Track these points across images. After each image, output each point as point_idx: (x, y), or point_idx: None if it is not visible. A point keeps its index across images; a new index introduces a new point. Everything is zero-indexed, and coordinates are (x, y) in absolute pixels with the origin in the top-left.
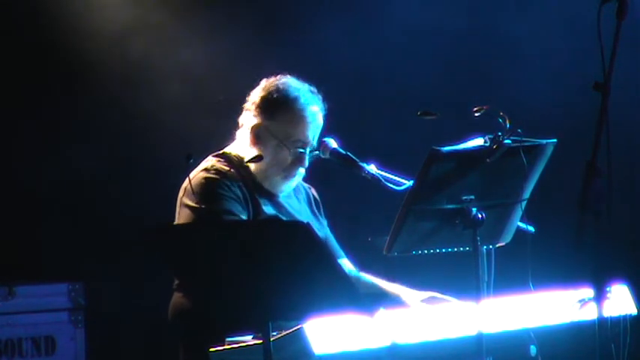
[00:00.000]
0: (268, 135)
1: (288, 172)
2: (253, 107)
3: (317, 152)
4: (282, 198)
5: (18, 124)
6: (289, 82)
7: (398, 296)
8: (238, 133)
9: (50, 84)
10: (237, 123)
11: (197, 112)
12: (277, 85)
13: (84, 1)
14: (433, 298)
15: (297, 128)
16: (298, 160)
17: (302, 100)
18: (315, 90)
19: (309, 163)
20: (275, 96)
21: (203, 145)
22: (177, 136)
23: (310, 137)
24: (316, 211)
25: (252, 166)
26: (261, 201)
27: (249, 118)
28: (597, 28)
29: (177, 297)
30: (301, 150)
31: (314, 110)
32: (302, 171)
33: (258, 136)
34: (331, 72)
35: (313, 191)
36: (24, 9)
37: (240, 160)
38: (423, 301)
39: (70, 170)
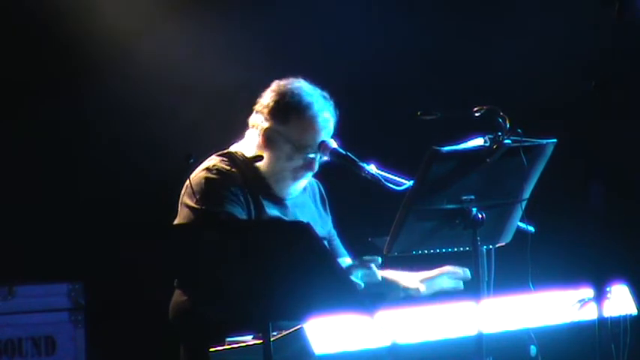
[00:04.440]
0: (280, 139)
1: (297, 175)
2: (266, 111)
3: (326, 158)
4: (285, 198)
5: (18, 123)
6: (303, 87)
7: (396, 283)
8: (247, 133)
9: (51, 84)
10: (238, 123)
11: (198, 111)
12: (291, 89)
13: (85, 0)
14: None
15: (308, 134)
16: (308, 165)
17: (315, 106)
18: (328, 96)
19: (318, 168)
20: (288, 101)
21: (204, 145)
22: (178, 135)
23: None
24: (322, 207)
25: (262, 168)
26: (265, 203)
27: (260, 120)
28: (597, 27)
29: (178, 295)
30: (311, 155)
31: (326, 117)
32: (310, 175)
33: (269, 139)
34: (331, 72)
35: (321, 187)
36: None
37: (245, 160)
38: (425, 281)
39: (70, 170)
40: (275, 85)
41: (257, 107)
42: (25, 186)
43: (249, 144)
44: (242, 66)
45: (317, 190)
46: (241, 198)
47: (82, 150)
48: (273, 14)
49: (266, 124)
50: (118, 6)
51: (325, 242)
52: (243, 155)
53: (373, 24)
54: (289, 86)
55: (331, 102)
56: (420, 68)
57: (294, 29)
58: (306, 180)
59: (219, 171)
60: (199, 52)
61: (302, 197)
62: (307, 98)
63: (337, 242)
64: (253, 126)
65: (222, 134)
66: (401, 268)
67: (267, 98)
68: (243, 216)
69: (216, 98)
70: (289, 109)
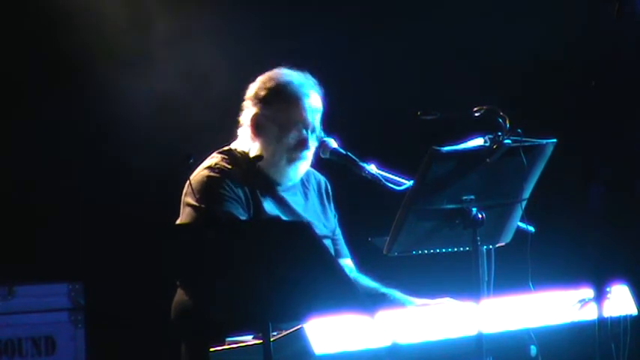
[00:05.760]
0: (268, 123)
1: (292, 156)
2: (250, 101)
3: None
4: (286, 194)
5: (16, 124)
6: (281, 70)
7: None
8: (240, 131)
9: (50, 84)
10: (239, 121)
11: (198, 111)
12: (269, 75)
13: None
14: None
15: (293, 111)
16: (301, 143)
17: (295, 83)
18: (309, 74)
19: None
20: (268, 85)
21: (204, 144)
22: (177, 135)
23: (310, 119)
24: (326, 202)
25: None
26: (264, 199)
27: (247, 111)
28: (597, 25)
29: (180, 294)
30: (303, 132)
31: (308, 92)
32: (308, 154)
33: (258, 125)
34: (331, 72)
35: (327, 185)
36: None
37: (245, 156)
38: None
39: (69, 170)
40: (258, 78)
41: (244, 103)
42: (25, 186)
43: (243, 140)
44: (242, 65)
45: (323, 187)
46: (242, 197)
47: (81, 150)
48: (275, 12)
49: (252, 111)
50: (118, 5)
51: (328, 241)
52: (243, 152)
53: (375, 23)
54: (268, 73)
55: (313, 79)
56: (420, 67)
57: (295, 28)
58: (305, 162)
59: (221, 170)
60: (201, 52)
61: (303, 197)
62: (286, 77)
63: (341, 242)
64: (243, 122)
65: (221, 134)
66: (402, 267)
67: (250, 90)
68: (244, 215)
69: (216, 98)
70: (270, 92)
